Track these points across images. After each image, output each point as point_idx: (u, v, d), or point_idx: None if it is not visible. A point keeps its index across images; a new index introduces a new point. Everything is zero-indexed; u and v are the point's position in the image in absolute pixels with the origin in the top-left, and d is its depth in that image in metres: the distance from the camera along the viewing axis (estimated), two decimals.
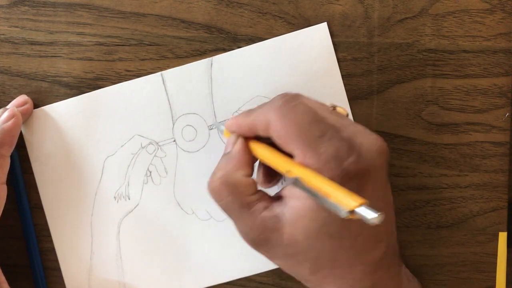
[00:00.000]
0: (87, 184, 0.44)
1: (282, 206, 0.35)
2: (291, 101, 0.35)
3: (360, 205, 0.30)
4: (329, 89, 0.44)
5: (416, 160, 0.44)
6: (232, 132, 0.38)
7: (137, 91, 0.44)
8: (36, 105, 0.44)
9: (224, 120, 0.44)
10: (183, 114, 0.44)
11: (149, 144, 0.44)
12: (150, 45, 0.44)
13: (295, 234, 0.35)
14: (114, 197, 0.44)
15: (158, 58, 0.44)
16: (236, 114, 0.44)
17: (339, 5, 0.44)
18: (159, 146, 0.44)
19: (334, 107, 0.38)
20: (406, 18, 0.44)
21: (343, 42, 0.44)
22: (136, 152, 0.44)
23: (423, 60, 0.44)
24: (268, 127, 0.36)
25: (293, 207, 0.35)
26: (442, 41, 0.44)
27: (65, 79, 0.44)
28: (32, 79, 0.44)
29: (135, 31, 0.44)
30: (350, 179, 0.34)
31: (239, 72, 0.44)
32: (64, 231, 0.44)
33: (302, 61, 0.44)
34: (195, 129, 0.44)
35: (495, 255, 0.45)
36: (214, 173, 0.37)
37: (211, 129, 0.44)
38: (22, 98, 0.43)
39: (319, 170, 0.33)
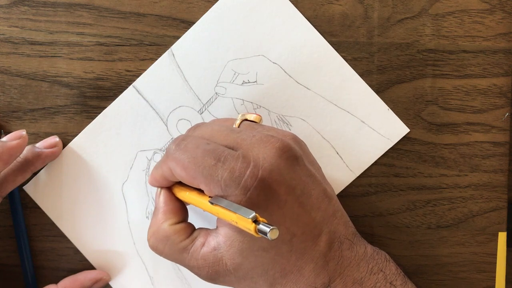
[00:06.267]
0: (117, 217, 0.44)
1: (217, 237, 0.37)
2: (181, 143, 0.37)
3: (254, 222, 0.32)
4: (292, 31, 0.44)
5: (416, 160, 0.45)
6: (154, 186, 0.40)
7: (119, 112, 0.44)
8: (37, 105, 0.44)
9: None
10: (170, 112, 0.44)
11: (154, 154, 0.44)
12: (150, 45, 0.44)
13: (235, 258, 0.36)
14: (147, 217, 0.44)
15: (158, 58, 0.44)
16: (217, 88, 0.44)
17: (339, 5, 0.44)
18: (163, 151, 0.44)
19: (243, 119, 0.39)
20: (406, 18, 0.44)
21: (343, 42, 0.44)
22: (146, 167, 0.44)
23: (423, 60, 0.44)
24: (173, 174, 0.37)
25: (224, 235, 0.36)
26: (442, 41, 0.44)
27: (65, 79, 0.44)
28: (32, 79, 0.44)
29: (135, 31, 0.44)
30: (256, 193, 0.35)
31: (201, 48, 0.44)
32: (116, 272, 0.45)
33: (258, 15, 0.44)
34: (187, 120, 0.44)
35: (494, 255, 0.45)
36: (148, 231, 0.39)
37: (202, 112, 0.44)
38: (52, 140, 0.43)
39: (225, 198, 0.35)
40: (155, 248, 0.39)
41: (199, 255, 0.37)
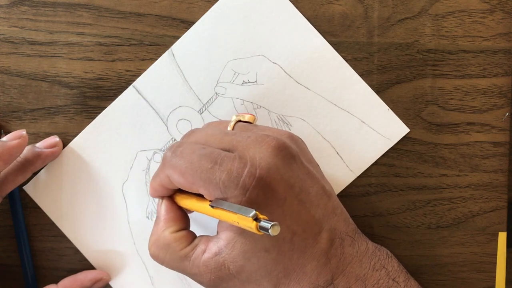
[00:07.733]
0: (117, 217, 0.44)
1: (218, 242, 0.37)
2: (177, 150, 0.37)
3: (255, 220, 0.32)
4: (292, 31, 0.44)
5: (416, 160, 0.45)
6: (155, 196, 0.40)
7: (119, 112, 0.44)
8: (37, 105, 0.44)
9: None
10: (170, 112, 0.44)
11: (154, 154, 0.44)
12: (150, 45, 0.44)
13: (237, 261, 0.36)
14: (147, 217, 0.44)
15: (158, 58, 0.44)
16: (217, 88, 0.44)
17: (339, 5, 0.44)
18: (163, 151, 0.44)
19: (238, 120, 0.39)
20: (406, 18, 0.44)
21: (343, 42, 0.44)
22: (146, 167, 0.44)
23: (423, 60, 0.44)
24: (171, 182, 0.37)
25: (225, 239, 0.36)
26: (442, 41, 0.44)
27: (65, 79, 0.44)
28: (32, 79, 0.44)
29: (135, 31, 0.44)
30: (255, 192, 0.35)
31: (201, 48, 0.44)
32: (116, 272, 0.44)
33: (258, 15, 0.44)
34: (187, 120, 0.44)
35: (494, 255, 0.45)
36: (149, 240, 0.39)
37: (202, 112, 0.44)
38: (52, 140, 0.43)
39: (226, 200, 0.35)
40: (156, 257, 0.39)
41: (200, 262, 0.37)
